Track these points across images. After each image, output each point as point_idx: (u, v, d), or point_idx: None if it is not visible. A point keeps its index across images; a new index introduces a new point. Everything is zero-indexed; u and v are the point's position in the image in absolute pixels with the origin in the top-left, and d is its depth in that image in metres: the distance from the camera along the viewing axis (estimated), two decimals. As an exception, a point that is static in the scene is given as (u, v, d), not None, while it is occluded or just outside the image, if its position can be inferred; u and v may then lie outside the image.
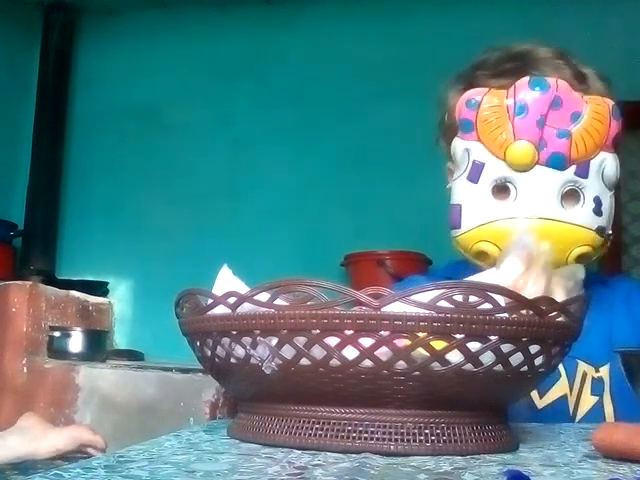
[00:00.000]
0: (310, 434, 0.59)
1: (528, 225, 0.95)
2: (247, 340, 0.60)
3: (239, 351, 0.61)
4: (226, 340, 0.62)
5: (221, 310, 0.61)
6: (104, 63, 3.56)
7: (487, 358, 0.58)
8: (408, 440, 0.58)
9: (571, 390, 1.00)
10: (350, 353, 0.56)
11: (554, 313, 0.61)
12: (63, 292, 2.61)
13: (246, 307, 0.59)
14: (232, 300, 0.60)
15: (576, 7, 3.16)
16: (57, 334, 2.49)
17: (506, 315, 0.58)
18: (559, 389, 1.00)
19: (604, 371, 1.00)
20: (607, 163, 0.99)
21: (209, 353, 0.64)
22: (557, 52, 1.04)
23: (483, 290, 0.57)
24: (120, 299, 3.27)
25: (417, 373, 0.57)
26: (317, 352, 0.57)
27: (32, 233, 3.32)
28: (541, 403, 0.99)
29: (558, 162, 0.95)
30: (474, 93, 0.99)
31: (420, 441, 0.58)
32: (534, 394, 0.98)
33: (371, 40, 3.33)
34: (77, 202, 3.49)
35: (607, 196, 0.99)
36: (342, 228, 3.11)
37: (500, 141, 0.95)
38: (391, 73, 3.23)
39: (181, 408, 2.16)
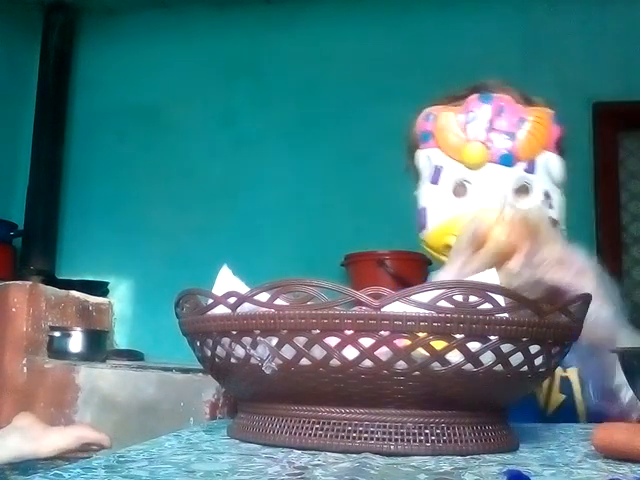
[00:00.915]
0: (310, 434, 0.59)
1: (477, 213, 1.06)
2: (247, 340, 0.60)
3: (239, 351, 0.61)
4: (226, 340, 0.62)
5: (221, 310, 0.61)
6: (104, 63, 3.56)
7: (487, 358, 0.58)
8: (408, 440, 0.58)
9: (541, 386, 1.05)
10: (350, 353, 0.56)
11: (554, 313, 0.61)
12: (63, 292, 2.61)
13: (246, 307, 0.59)
14: (232, 300, 0.60)
15: (575, 8, 3.16)
16: (57, 334, 2.49)
17: (506, 315, 0.58)
18: None
19: (571, 372, 1.06)
20: (551, 162, 1.08)
21: (209, 353, 0.64)
22: (507, 85, 1.16)
23: (483, 290, 0.57)
24: (120, 299, 3.26)
25: (417, 373, 0.57)
26: (317, 352, 0.57)
27: (32, 233, 3.32)
28: None
29: (506, 159, 1.06)
30: (431, 109, 1.14)
31: (420, 441, 0.58)
32: None
33: (371, 40, 3.32)
34: (77, 202, 3.49)
35: (556, 193, 1.09)
36: (342, 228, 3.11)
37: (455, 145, 1.08)
38: (391, 73, 3.23)
39: (181, 408, 2.16)
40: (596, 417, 0.97)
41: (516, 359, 0.59)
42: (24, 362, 2.37)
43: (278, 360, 0.58)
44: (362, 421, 0.59)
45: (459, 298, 0.57)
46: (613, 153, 3.11)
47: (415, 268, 2.59)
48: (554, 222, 1.09)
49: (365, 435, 0.58)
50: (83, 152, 3.53)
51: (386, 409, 0.59)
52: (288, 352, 0.58)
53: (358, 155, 3.21)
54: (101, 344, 2.67)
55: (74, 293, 2.69)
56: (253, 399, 0.66)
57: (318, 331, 0.57)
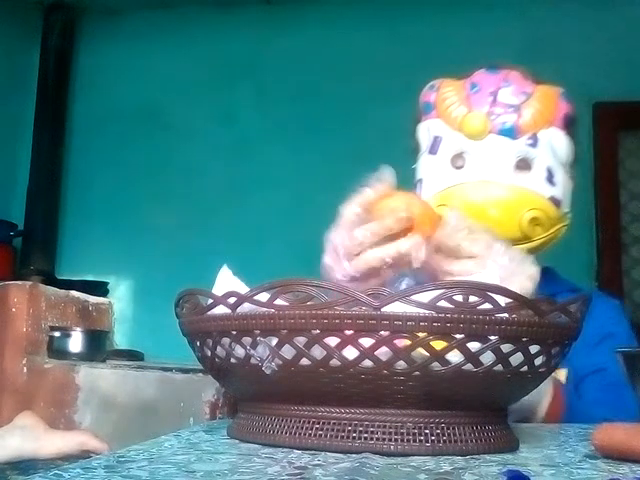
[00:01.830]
0: (310, 434, 0.59)
1: (473, 186, 1.03)
2: (247, 340, 0.60)
3: (239, 351, 0.61)
4: (226, 340, 0.62)
5: (221, 310, 0.61)
6: (104, 63, 3.56)
7: (487, 358, 0.58)
8: (408, 440, 0.58)
9: None
10: (350, 353, 0.56)
11: (554, 313, 0.61)
12: (63, 292, 2.61)
13: (246, 307, 0.59)
14: (232, 300, 0.60)
15: (575, 8, 3.16)
16: (57, 334, 2.48)
17: (506, 315, 0.58)
18: None
19: (561, 373, 1.04)
20: (556, 139, 1.05)
21: (209, 353, 0.64)
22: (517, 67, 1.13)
23: (483, 290, 0.57)
24: (120, 299, 3.26)
25: (417, 373, 0.57)
26: (317, 352, 0.57)
27: (32, 233, 3.32)
28: None
29: (509, 131, 1.03)
30: (434, 82, 1.10)
31: (420, 441, 0.58)
32: None
33: (371, 40, 3.32)
34: (77, 202, 3.49)
35: (560, 172, 1.05)
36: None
37: (456, 114, 1.05)
38: (391, 73, 3.23)
39: (181, 408, 2.16)
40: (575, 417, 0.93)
41: (516, 359, 0.59)
42: (24, 362, 2.37)
43: (278, 360, 0.58)
44: (362, 421, 0.59)
45: (459, 298, 0.57)
46: (613, 153, 3.11)
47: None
48: (556, 201, 1.05)
49: (365, 435, 0.58)
50: (83, 152, 3.53)
51: (386, 409, 0.59)
52: (288, 352, 0.58)
53: (358, 155, 3.20)
54: (101, 344, 2.67)
55: (74, 293, 2.69)
56: (253, 399, 0.66)
57: (318, 331, 0.57)
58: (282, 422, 0.61)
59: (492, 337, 0.57)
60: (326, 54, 3.35)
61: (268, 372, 0.59)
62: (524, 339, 0.59)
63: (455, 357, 0.57)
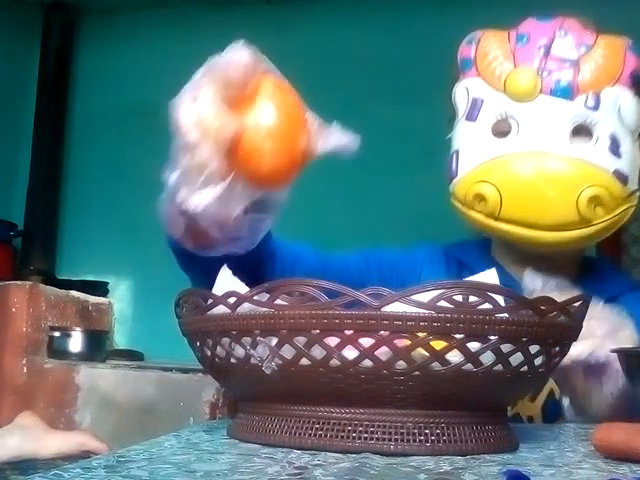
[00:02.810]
0: (310, 434, 0.59)
1: (520, 159, 0.84)
2: (247, 340, 0.60)
3: (239, 351, 0.61)
4: (226, 340, 0.62)
5: (221, 310, 0.61)
6: (104, 63, 3.55)
7: (487, 358, 0.57)
8: (408, 440, 0.58)
9: None
10: (350, 353, 0.56)
11: (554, 313, 0.61)
12: (63, 292, 2.61)
13: (246, 307, 0.59)
14: (232, 300, 0.60)
15: (575, 8, 3.16)
16: (57, 334, 2.49)
17: (506, 315, 0.58)
18: None
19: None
20: (624, 100, 0.87)
21: (209, 353, 0.64)
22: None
23: (483, 290, 0.57)
24: (120, 299, 3.26)
25: (417, 373, 0.57)
26: (317, 352, 0.57)
27: (32, 233, 3.32)
28: None
29: (564, 90, 0.86)
30: (474, 33, 0.94)
31: (420, 441, 0.58)
32: None
33: (371, 40, 3.32)
34: (77, 202, 3.49)
35: (628, 139, 0.87)
36: (342, 228, 3.10)
37: (500, 71, 0.89)
38: (391, 73, 3.23)
39: (181, 408, 2.16)
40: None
41: (516, 359, 0.59)
42: (24, 362, 2.37)
43: (278, 360, 0.58)
44: (362, 421, 0.59)
45: (459, 298, 0.57)
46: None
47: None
48: (622, 177, 0.86)
49: (365, 435, 0.58)
50: (83, 152, 3.53)
51: (386, 409, 0.59)
52: (288, 352, 0.58)
53: (358, 155, 3.21)
54: (101, 344, 2.67)
55: (74, 293, 2.69)
56: (253, 399, 0.66)
57: (318, 331, 0.57)
58: (282, 422, 0.61)
59: (492, 337, 0.57)
60: (326, 54, 3.35)
61: (268, 372, 0.59)
62: (524, 339, 0.59)
63: (455, 357, 0.57)
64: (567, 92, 0.86)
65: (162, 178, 0.69)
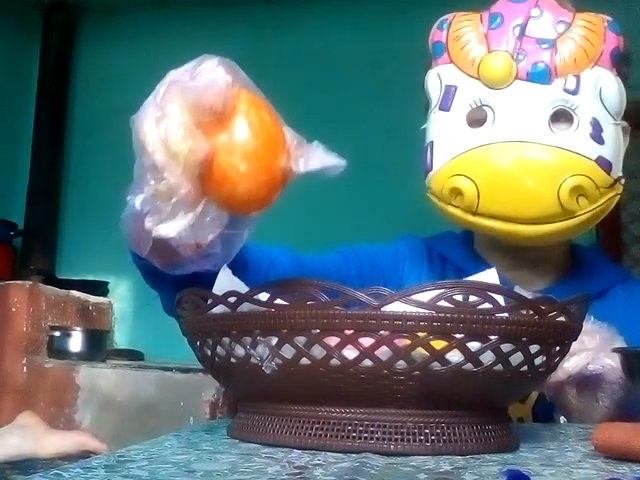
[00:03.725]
0: (310, 434, 0.59)
1: (497, 149, 0.79)
2: (247, 340, 0.60)
3: (239, 351, 0.61)
4: (226, 340, 0.62)
5: (221, 310, 0.61)
6: (104, 63, 3.55)
7: (487, 358, 0.57)
8: (408, 440, 0.58)
9: None
10: (350, 353, 0.56)
11: (554, 313, 0.61)
12: (63, 292, 2.61)
13: (246, 307, 0.59)
14: (232, 300, 0.60)
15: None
16: (57, 334, 2.49)
17: (506, 315, 0.58)
18: None
19: None
20: (605, 81, 0.82)
21: (209, 353, 0.64)
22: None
23: (483, 290, 0.57)
24: (120, 299, 3.26)
25: (417, 373, 0.57)
26: (317, 352, 0.57)
27: (32, 233, 3.32)
28: None
29: (540, 74, 0.81)
30: (445, 16, 0.89)
31: (420, 441, 0.58)
32: None
33: (371, 40, 3.32)
34: (77, 202, 3.49)
35: (610, 123, 0.82)
36: (342, 228, 3.10)
37: (473, 56, 0.83)
38: (391, 73, 3.23)
39: (181, 408, 2.16)
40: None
41: (516, 359, 0.59)
42: (24, 362, 2.37)
43: (278, 360, 0.58)
44: (362, 421, 0.59)
45: (459, 298, 0.57)
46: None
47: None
48: (605, 164, 0.81)
49: (365, 435, 0.58)
50: (83, 152, 3.52)
51: (386, 409, 0.59)
52: (288, 352, 0.58)
53: (358, 155, 3.20)
54: (101, 344, 2.67)
55: (74, 293, 2.69)
56: (253, 399, 0.66)
57: (318, 331, 0.57)
58: (282, 422, 0.61)
59: (492, 337, 0.57)
60: (326, 53, 3.35)
61: (268, 372, 0.59)
62: (524, 339, 0.59)
63: (455, 357, 0.57)
64: (544, 76, 0.81)
65: (125, 199, 0.62)
